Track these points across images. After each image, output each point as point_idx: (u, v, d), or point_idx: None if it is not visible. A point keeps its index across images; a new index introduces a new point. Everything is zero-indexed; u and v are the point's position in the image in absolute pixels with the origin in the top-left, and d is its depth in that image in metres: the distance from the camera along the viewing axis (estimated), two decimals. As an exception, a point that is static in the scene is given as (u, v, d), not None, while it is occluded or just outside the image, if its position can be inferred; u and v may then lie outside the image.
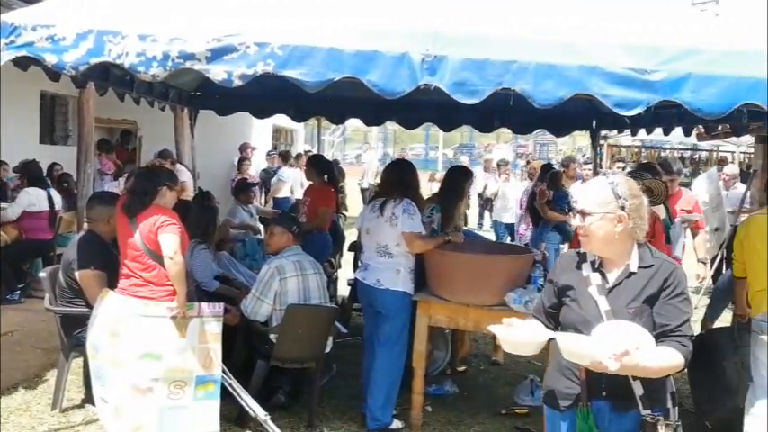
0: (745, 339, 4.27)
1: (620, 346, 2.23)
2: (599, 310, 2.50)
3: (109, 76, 5.12)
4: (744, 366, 4.26)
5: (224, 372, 4.18)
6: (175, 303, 3.99)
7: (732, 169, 11.16)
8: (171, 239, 3.99)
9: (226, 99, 7.08)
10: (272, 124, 15.47)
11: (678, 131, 6.26)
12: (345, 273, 7.86)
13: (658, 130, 6.24)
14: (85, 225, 4.87)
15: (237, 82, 3.17)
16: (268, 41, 3.17)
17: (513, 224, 11.17)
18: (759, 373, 4.06)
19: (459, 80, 3.18)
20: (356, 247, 6.34)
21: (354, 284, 5.63)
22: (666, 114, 5.38)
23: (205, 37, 3.17)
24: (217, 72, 3.17)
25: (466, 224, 9.50)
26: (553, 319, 2.73)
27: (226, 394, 4.19)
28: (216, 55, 3.17)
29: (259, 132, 14.23)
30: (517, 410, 5.21)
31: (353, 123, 19.55)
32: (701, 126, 7.19)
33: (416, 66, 3.16)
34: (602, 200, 2.61)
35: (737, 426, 4.41)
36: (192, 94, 7.15)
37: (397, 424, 4.77)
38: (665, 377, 2.46)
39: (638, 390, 2.45)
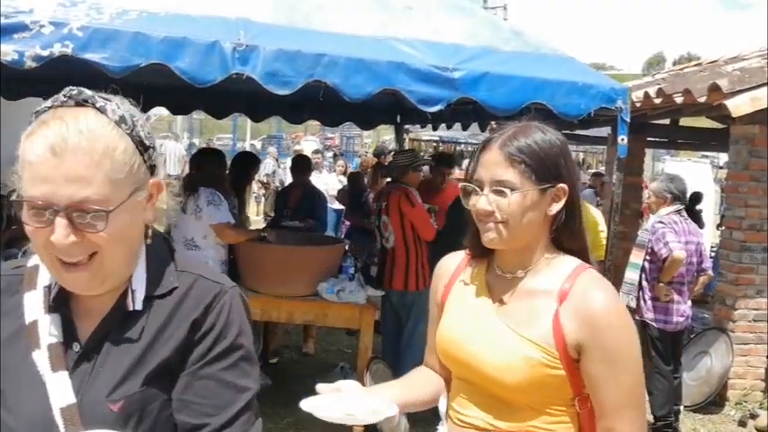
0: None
1: None
2: (49, 407, 1.11)
3: None
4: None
5: None
6: None
7: None
8: None
9: (16, 82, 6.40)
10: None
11: (474, 126, 6.68)
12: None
13: (456, 125, 6.59)
14: None
15: (30, 63, 2.92)
16: (65, 21, 2.96)
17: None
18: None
19: (271, 70, 3.19)
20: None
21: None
22: (464, 110, 5.72)
23: (-11, 11, 2.89)
24: (5, 51, 2.90)
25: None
26: None
27: None
28: (3, 32, 2.89)
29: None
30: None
31: (158, 112, 18.66)
32: (494, 122, 7.71)
33: (228, 54, 3.12)
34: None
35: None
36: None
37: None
38: None
39: None
